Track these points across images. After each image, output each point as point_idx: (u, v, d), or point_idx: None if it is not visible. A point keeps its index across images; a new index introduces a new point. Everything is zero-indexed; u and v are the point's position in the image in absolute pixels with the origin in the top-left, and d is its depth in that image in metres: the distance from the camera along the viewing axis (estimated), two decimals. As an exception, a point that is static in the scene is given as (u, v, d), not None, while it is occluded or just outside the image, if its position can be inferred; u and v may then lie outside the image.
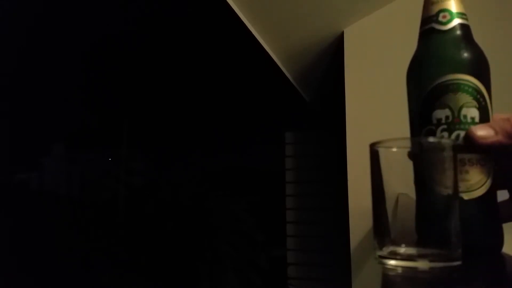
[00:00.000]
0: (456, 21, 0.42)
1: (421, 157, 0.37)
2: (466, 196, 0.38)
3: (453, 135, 0.39)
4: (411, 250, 0.35)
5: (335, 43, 1.22)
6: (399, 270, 0.34)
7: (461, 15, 0.43)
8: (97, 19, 2.10)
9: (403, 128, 0.45)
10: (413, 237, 0.36)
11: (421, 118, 0.41)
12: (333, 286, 1.82)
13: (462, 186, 0.38)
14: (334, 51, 1.25)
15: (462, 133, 0.39)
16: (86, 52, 2.36)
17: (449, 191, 0.35)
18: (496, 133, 0.38)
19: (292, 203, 1.98)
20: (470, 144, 0.38)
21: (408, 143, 0.39)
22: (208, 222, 1.82)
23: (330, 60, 1.33)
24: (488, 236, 0.39)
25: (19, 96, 2.45)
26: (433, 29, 0.43)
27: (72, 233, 2.02)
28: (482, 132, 0.38)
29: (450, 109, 0.39)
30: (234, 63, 2.18)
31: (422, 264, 0.34)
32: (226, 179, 2.53)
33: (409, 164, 0.37)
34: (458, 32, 0.42)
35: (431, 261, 0.33)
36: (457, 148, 0.37)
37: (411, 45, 0.46)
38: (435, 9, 0.43)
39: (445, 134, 0.39)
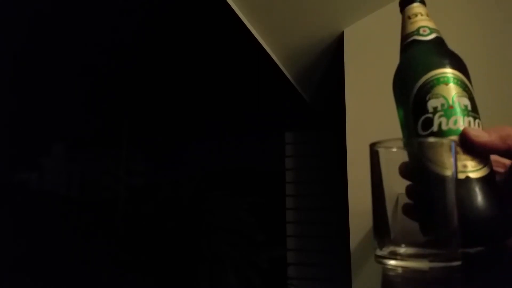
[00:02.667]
0: (435, 34, 0.47)
1: (421, 157, 0.37)
2: (472, 175, 0.39)
3: (451, 120, 0.40)
4: (411, 250, 0.35)
5: (335, 43, 1.22)
6: (399, 270, 0.34)
7: (437, 30, 0.47)
8: (96, 19, 2.10)
9: (403, 128, 0.45)
10: (413, 237, 0.36)
11: (415, 112, 0.43)
12: (333, 286, 1.82)
13: (468, 165, 0.39)
14: (334, 51, 1.25)
15: (460, 119, 0.40)
16: (85, 52, 2.36)
17: (450, 190, 0.35)
18: (490, 135, 0.39)
19: (292, 203, 1.98)
20: (465, 143, 0.39)
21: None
22: (208, 222, 1.82)
23: (330, 60, 1.33)
24: (495, 215, 0.39)
25: (19, 96, 2.45)
26: (416, 40, 0.47)
27: (72, 233, 2.02)
28: (476, 132, 0.39)
29: (444, 97, 0.41)
30: (234, 63, 2.18)
31: (422, 264, 0.34)
32: (226, 179, 2.52)
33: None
34: (439, 41, 0.47)
35: (431, 261, 0.33)
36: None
37: (411, 45, 0.46)
38: (415, 26, 0.47)
39: (443, 119, 0.41)
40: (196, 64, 2.32)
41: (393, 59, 0.50)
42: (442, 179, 0.36)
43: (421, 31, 0.46)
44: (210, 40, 2.05)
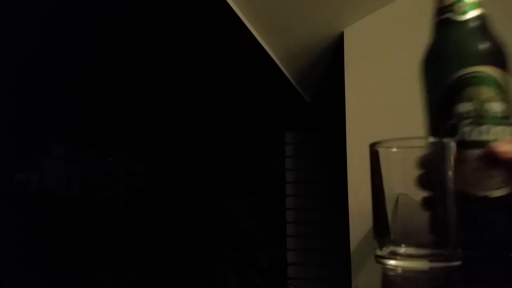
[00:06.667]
0: (474, 12, 0.40)
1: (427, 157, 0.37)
2: (492, 194, 0.37)
3: (477, 130, 0.37)
4: (411, 250, 0.35)
5: (335, 43, 1.22)
6: (399, 270, 0.34)
7: (477, 5, 0.40)
8: (96, 18, 2.10)
9: (403, 128, 0.45)
10: (413, 237, 0.36)
11: (441, 112, 0.40)
12: (333, 286, 1.82)
13: (489, 184, 0.37)
14: (334, 51, 1.25)
15: (487, 129, 0.37)
16: (85, 52, 2.36)
17: (449, 191, 0.35)
18: None
19: (292, 203, 1.98)
20: (493, 160, 0.37)
21: (408, 143, 0.39)
22: (208, 222, 1.82)
23: (330, 60, 1.33)
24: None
25: (19, 96, 2.45)
26: (449, 19, 0.41)
27: (72, 233, 2.02)
28: (505, 147, 0.36)
29: (474, 102, 0.38)
30: (234, 63, 2.18)
31: (422, 264, 0.34)
32: (226, 179, 2.53)
33: (409, 164, 0.37)
34: (476, 23, 0.40)
35: (431, 261, 0.33)
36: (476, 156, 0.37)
37: (411, 45, 0.46)
38: None
39: (469, 128, 0.38)
40: (196, 64, 2.32)
41: (393, 59, 0.49)
42: (443, 188, 0.35)
43: (456, 8, 0.40)
44: (211, 40, 2.05)
